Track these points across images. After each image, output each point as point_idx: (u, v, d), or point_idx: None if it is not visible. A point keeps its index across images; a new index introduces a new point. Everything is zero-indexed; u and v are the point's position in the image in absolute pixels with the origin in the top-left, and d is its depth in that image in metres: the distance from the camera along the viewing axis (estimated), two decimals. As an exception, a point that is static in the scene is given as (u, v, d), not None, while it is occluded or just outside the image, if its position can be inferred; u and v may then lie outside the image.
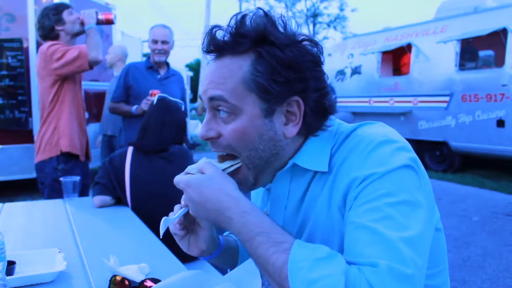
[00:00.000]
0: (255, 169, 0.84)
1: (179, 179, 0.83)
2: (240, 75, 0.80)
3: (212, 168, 0.82)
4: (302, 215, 0.85)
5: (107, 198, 2.12)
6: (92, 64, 2.64)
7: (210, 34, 0.82)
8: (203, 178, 0.81)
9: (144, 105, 2.98)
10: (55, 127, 2.71)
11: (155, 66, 3.29)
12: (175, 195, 2.24)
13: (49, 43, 2.66)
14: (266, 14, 0.80)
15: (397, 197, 0.72)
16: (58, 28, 2.70)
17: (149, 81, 3.22)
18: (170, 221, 0.91)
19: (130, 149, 2.16)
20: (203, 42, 0.84)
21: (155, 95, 2.92)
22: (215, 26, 0.83)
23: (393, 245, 0.67)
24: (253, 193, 1.09)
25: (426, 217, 0.74)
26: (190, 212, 0.84)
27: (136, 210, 2.07)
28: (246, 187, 0.87)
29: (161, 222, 0.89)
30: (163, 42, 3.26)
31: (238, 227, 0.75)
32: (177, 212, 0.90)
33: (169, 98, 2.52)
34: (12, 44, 5.19)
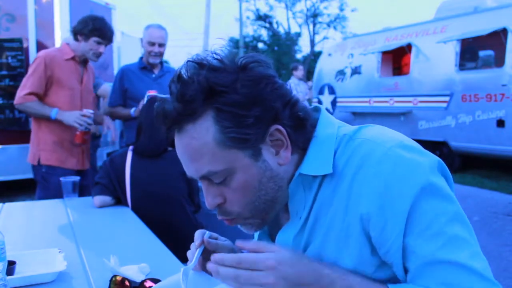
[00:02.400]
0: (260, 214, 0.83)
1: (266, 258, 0.73)
2: (211, 139, 0.74)
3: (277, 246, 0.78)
4: (313, 220, 0.82)
5: (107, 199, 2.12)
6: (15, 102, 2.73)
7: (159, 111, 0.77)
8: (290, 254, 0.75)
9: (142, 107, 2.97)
10: (36, 138, 2.77)
11: (149, 66, 3.27)
12: (175, 196, 2.25)
13: (51, 50, 2.81)
14: (198, 64, 0.75)
15: (448, 211, 0.73)
16: (79, 38, 2.77)
17: (144, 82, 3.19)
18: (191, 268, 0.87)
19: (130, 150, 2.17)
20: (158, 122, 0.78)
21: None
22: (160, 100, 0.78)
23: (471, 271, 0.70)
24: None
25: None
26: None
27: (136, 210, 2.07)
28: (254, 232, 0.87)
29: (181, 274, 0.85)
30: (160, 45, 3.21)
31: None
32: (195, 253, 0.88)
33: (159, 96, 2.50)
34: (12, 44, 5.20)
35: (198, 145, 0.75)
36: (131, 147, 2.18)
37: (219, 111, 0.74)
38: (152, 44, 3.21)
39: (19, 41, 5.21)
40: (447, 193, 0.75)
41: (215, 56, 0.76)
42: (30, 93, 2.67)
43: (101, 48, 2.81)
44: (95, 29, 2.75)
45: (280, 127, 0.77)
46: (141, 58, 3.31)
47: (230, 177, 0.78)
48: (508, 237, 4.11)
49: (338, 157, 0.80)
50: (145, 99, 2.79)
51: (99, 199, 2.12)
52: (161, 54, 3.25)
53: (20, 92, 2.70)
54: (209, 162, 0.76)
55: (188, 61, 0.77)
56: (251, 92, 0.74)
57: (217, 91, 0.73)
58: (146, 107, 2.27)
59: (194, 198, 2.23)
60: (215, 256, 0.75)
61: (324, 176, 0.81)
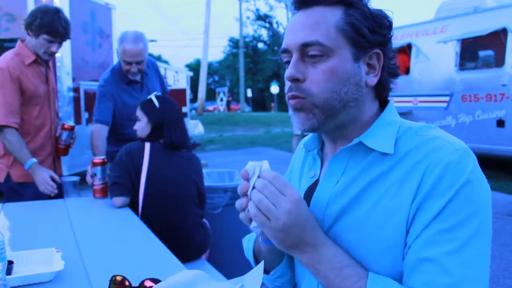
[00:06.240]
0: (329, 110, 0.85)
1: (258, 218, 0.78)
2: (334, 20, 0.83)
3: (294, 197, 0.79)
4: (354, 193, 0.84)
5: (127, 200, 2.11)
6: None
7: None
8: (292, 219, 0.78)
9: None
10: (4, 154, 2.41)
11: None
12: (186, 197, 2.27)
13: (10, 59, 2.38)
14: None
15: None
16: (30, 33, 2.39)
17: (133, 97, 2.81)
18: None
19: (147, 145, 2.15)
20: None
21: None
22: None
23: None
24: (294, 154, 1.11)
25: None
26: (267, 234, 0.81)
27: (145, 206, 2.08)
28: (309, 126, 0.86)
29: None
30: (138, 62, 2.65)
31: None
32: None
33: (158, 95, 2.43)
34: (12, 44, 5.16)
35: (320, 19, 0.84)
36: (147, 142, 2.16)
37: (351, 6, 0.84)
38: (129, 63, 2.65)
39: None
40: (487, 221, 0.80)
41: None
42: (10, 112, 2.27)
43: (53, 47, 2.39)
44: (43, 25, 2.32)
45: (381, 53, 0.86)
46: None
47: (325, 58, 0.83)
48: (508, 237, 4.11)
49: (401, 144, 0.84)
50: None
51: (119, 200, 2.08)
52: (140, 71, 2.71)
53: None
54: (321, 34, 0.83)
55: None
56: (379, 14, 0.85)
57: None
58: (162, 105, 2.21)
59: (202, 203, 2.24)
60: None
61: (376, 154, 0.84)
